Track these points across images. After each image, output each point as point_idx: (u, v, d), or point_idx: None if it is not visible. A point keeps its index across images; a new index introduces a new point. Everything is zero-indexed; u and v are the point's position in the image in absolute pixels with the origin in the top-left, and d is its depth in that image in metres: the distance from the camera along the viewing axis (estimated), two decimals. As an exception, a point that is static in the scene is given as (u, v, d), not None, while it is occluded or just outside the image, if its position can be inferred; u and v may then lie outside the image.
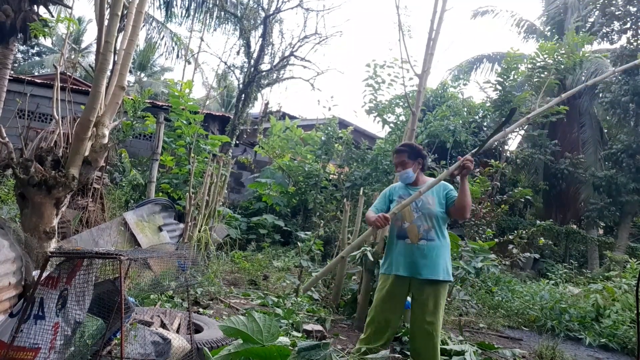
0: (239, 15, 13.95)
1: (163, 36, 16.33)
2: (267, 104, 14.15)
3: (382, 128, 11.86)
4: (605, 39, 13.43)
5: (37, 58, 26.68)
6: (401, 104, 11.43)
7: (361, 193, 6.52)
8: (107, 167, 7.53)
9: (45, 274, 2.32)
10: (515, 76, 12.74)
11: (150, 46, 17.85)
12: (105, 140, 3.58)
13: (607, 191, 13.00)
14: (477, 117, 12.91)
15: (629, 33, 12.89)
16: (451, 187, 3.24)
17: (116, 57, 3.79)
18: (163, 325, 3.22)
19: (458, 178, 3.08)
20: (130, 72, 8.88)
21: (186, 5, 13.95)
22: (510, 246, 7.43)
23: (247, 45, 13.76)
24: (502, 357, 4.33)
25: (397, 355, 4.10)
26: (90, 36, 30.55)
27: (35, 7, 6.97)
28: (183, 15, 14.18)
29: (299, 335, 3.99)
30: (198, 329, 3.34)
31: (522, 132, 14.07)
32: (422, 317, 3.04)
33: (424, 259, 3.08)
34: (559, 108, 11.90)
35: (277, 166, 11.72)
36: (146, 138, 12.30)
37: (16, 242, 2.81)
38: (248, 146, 13.93)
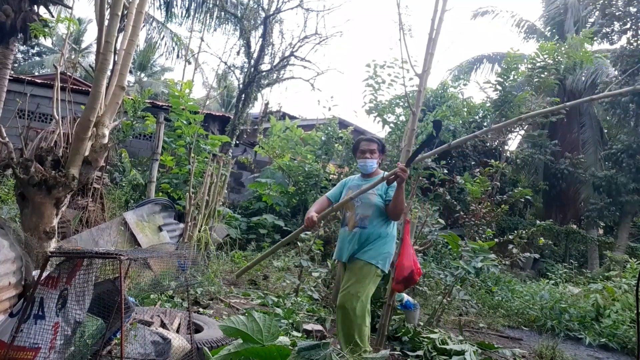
0: (239, 15, 13.95)
1: (163, 36, 16.33)
2: (267, 104, 14.16)
3: (382, 128, 11.86)
4: (605, 39, 13.43)
5: (37, 58, 26.68)
6: (401, 104, 11.42)
7: (361, 193, 6.51)
8: (107, 167, 7.53)
9: (45, 274, 2.32)
10: (515, 76, 12.73)
11: (151, 46, 17.82)
12: (105, 140, 3.58)
13: (607, 191, 13.00)
14: (477, 117, 12.91)
15: (629, 33, 12.89)
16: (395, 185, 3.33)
17: (116, 57, 3.79)
18: (163, 325, 3.22)
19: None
20: (130, 72, 8.88)
21: (186, 6, 13.95)
22: (510, 246, 7.42)
23: (247, 46, 13.76)
24: (502, 357, 4.33)
25: (396, 353, 4.12)
26: (90, 36, 30.54)
27: (36, 7, 6.97)
28: (183, 15, 14.18)
29: (299, 335, 3.99)
30: (198, 329, 3.34)
31: (522, 132, 14.07)
32: (343, 289, 3.20)
33: (356, 245, 3.28)
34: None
35: (277, 166, 11.71)
36: (146, 138, 12.30)
37: (16, 242, 2.81)
38: (248, 146, 13.92)
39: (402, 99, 11.23)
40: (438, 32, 4.42)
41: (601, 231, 15.75)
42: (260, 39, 13.54)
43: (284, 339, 2.99)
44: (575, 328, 6.22)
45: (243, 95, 13.39)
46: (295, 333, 4.02)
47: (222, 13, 14.12)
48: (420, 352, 3.90)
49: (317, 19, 25.97)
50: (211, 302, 4.99)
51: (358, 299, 3.11)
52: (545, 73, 11.87)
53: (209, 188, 6.88)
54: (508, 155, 13.61)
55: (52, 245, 3.33)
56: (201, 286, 5.25)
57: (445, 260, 8.09)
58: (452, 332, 4.93)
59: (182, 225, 6.63)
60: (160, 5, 13.88)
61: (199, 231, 6.52)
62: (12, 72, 8.86)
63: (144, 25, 13.02)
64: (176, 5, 13.94)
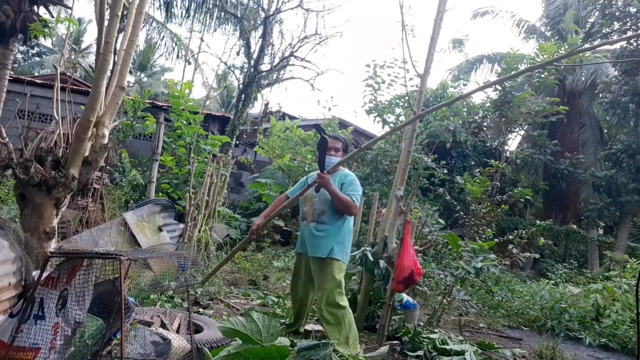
0: (239, 15, 13.95)
1: (163, 36, 16.33)
2: (267, 104, 14.14)
3: (382, 128, 11.86)
4: (605, 39, 13.42)
5: (37, 58, 26.70)
6: (401, 104, 11.42)
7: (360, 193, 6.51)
8: (107, 167, 7.52)
9: (45, 274, 2.32)
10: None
11: (150, 46, 17.83)
12: (105, 141, 3.58)
13: (607, 191, 13.01)
14: (477, 117, 12.91)
15: (629, 34, 12.89)
16: (351, 182, 3.62)
17: (116, 57, 3.79)
18: (163, 326, 3.22)
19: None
20: (130, 72, 8.88)
21: (186, 6, 13.95)
22: (510, 246, 7.42)
23: (247, 46, 13.75)
24: (502, 357, 4.33)
25: (395, 343, 4.12)
26: (90, 37, 30.56)
27: (36, 7, 6.97)
28: (183, 15, 14.18)
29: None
30: (198, 329, 3.34)
31: (522, 132, 14.07)
32: (316, 289, 3.55)
33: (313, 238, 3.56)
34: (559, 108, 11.93)
35: (277, 166, 11.71)
36: (146, 138, 12.30)
37: (16, 242, 2.81)
38: (248, 146, 13.92)
39: (402, 99, 11.23)
40: (439, 32, 4.43)
41: (601, 231, 15.75)
42: (260, 39, 13.54)
43: (283, 340, 2.99)
44: (575, 328, 6.22)
45: (243, 96, 13.38)
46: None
47: (222, 13, 14.12)
48: (420, 352, 3.90)
49: (317, 19, 26.01)
50: (211, 302, 4.99)
51: (337, 293, 3.46)
52: (545, 73, 11.87)
53: (208, 188, 6.88)
54: (508, 155, 13.61)
55: (52, 245, 3.33)
56: (201, 286, 5.24)
57: (445, 260, 8.10)
58: (452, 332, 4.92)
59: (182, 225, 6.62)
60: (160, 5, 13.89)
61: (199, 231, 6.52)
62: (12, 72, 8.86)
63: (143, 26, 13.01)
64: (176, 5, 13.95)
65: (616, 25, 12.98)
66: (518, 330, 6.22)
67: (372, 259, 4.77)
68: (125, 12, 3.90)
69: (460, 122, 11.92)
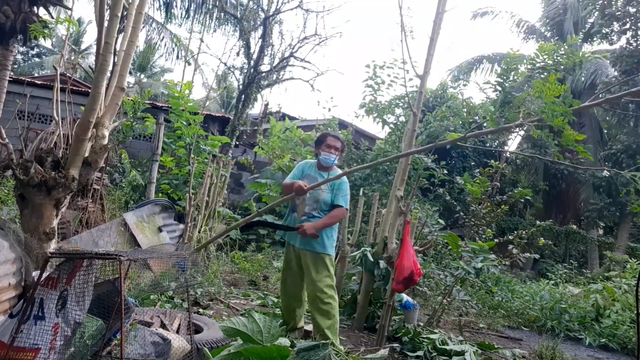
0: (239, 16, 13.94)
1: (163, 37, 16.32)
2: (267, 105, 14.14)
3: (382, 129, 11.84)
4: (604, 39, 13.44)
5: (37, 59, 26.72)
6: (401, 104, 11.42)
7: (361, 194, 6.52)
8: (107, 168, 7.52)
9: (45, 275, 2.32)
10: (515, 77, 12.70)
11: (150, 47, 17.81)
12: (105, 141, 3.58)
13: (607, 191, 13.00)
14: (477, 117, 12.91)
15: (629, 34, 12.90)
16: (339, 187, 3.74)
17: (116, 58, 3.79)
18: (163, 326, 3.21)
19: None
20: (130, 73, 8.88)
21: (186, 7, 13.94)
22: (510, 246, 7.42)
23: (247, 46, 13.75)
24: (502, 357, 4.33)
25: (395, 346, 4.12)
26: (90, 37, 30.55)
27: (35, 8, 6.97)
28: (183, 16, 14.17)
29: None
30: (198, 330, 3.34)
31: (522, 132, 14.08)
32: (308, 282, 3.68)
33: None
34: (559, 108, 11.88)
35: (277, 167, 11.70)
36: (146, 139, 12.30)
37: (16, 243, 2.81)
38: (248, 147, 13.92)
39: (402, 100, 11.22)
40: (438, 33, 4.43)
41: (601, 231, 15.75)
42: (260, 40, 13.54)
43: (283, 340, 2.99)
44: (575, 328, 6.22)
45: (243, 96, 13.38)
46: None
47: (222, 14, 14.11)
48: (420, 353, 3.90)
49: (316, 20, 25.90)
50: (211, 302, 4.99)
51: (330, 286, 3.65)
52: (545, 74, 11.86)
53: (208, 189, 6.87)
54: (508, 155, 13.61)
55: (52, 246, 3.33)
56: (201, 287, 5.24)
57: (445, 260, 8.09)
58: (452, 332, 4.93)
59: (182, 226, 6.62)
60: (160, 6, 13.88)
61: (199, 232, 6.51)
62: (11, 73, 8.86)
63: (143, 26, 13.01)
64: (176, 6, 13.94)
65: (616, 25, 12.99)
66: (518, 331, 6.22)
67: (372, 259, 4.77)
68: (125, 13, 3.90)
69: (460, 122, 11.92)
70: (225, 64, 14.90)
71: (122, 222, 5.78)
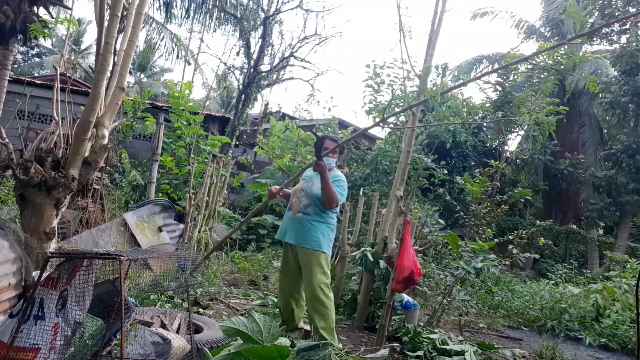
0: (239, 16, 13.95)
1: (163, 37, 16.33)
2: (267, 105, 14.16)
3: (382, 129, 11.87)
4: (604, 39, 13.44)
5: (37, 59, 26.71)
6: (401, 104, 11.42)
7: (361, 194, 6.52)
8: (107, 167, 7.53)
9: (45, 275, 2.32)
10: (515, 77, 12.73)
11: (150, 47, 17.82)
12: (105, 141, 3.58)
13: (607, 191, 13.00)
14: (476, 117, 12.91)
15: (629, 33, 12.90)
16: (337, 179, 3.77)
17: (116, 58, 3.79)
18: (163, 326, 3.21)
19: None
20: (130, 73, 8.87)
21: (186, 7, 13.95)
22: (510, 246, 7.42)
23: (247, 46, 13.76)
24: (502, 357, 4.33)
25: (395, 346, 4.12)
26: (90, 37, 30.57)
27: (35, 8, 6.97)
28: (183, 16, 14.18)
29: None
30: (198, 329, 3.34)
31: (522, 132, 14.08)
32: (305, 281, 3.73)
33: (298, 228, 3.74)
34: (559, 109, 11.90)
35: (277, 167, 11.71)
36: (146, 139, 12.30)
37: (16, 242, 2.81)
38: (248, 147, 13.93)
39: (402, 100, 11.23)
40: (437, 33, 4.43)
41: (601, 231, 15.75)
42: (260, 40, 13.55)
43: (283, 340, 2.99)
44: (575, 328, 6.22)
45: (243, 96, 13.39)
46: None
47: (222, 14, 14.12)
48: (420, 353, 3.90)
49: (316, 20, 25.97)
50: (211, 302, 4.99)
51: (326, 285, 3.66)
52: (545, 73, 11.86)
53: (208, 189, 6.87)
54: (508, 155, 13.61)
55: (52, 246, 3.33)
56: (201, 287, 5.24)
57: (445, 260, 8.09)
58: (452, 332, 4.92)
59: (182, 225, 6.62)
60: (160, 6, 13.89)
61: (199, 232, 6.51)
62: (11, 73, 8.86)
63: (143, 26, 13.01)
64: (176, 6, 13.95)
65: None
66: (518, 331, 6.22)
67: (372, 259, 4.77)
68: (125, 13, 3.90)
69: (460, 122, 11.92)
70: (225, 64, 14.93)
71: (122, 222, 5.78)
